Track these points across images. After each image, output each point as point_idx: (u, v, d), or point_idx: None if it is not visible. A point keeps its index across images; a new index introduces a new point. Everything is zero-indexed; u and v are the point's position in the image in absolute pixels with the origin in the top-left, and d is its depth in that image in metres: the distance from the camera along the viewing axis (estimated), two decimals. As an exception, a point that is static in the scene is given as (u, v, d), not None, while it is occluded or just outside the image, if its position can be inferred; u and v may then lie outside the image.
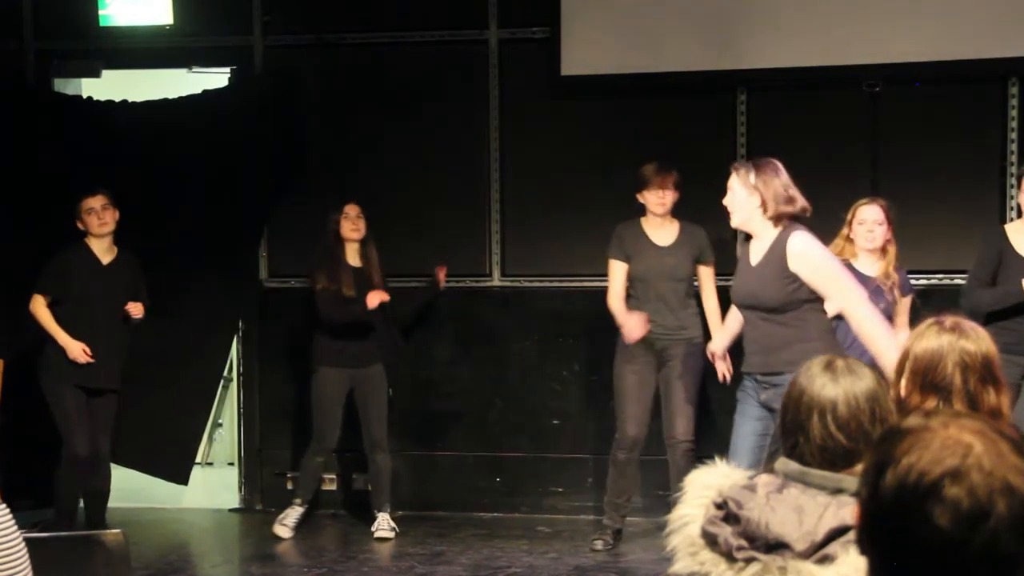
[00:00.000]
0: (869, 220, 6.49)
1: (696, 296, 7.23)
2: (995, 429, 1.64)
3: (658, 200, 7.12)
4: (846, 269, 6.33)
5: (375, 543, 7.56)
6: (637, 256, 7.11)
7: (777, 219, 5.55)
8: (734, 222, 5.78)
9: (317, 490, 7.89)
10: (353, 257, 7.63)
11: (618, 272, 7.16)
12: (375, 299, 7.39)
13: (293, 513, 7.74)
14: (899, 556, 1.62)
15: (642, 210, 7.20)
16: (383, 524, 7.62)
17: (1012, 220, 7.35)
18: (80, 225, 7.31)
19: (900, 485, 1.60)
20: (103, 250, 7.34)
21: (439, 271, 7.87)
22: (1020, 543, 1.58)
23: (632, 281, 7.14)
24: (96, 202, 7.29)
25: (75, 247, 7.32)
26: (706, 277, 7.22)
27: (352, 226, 7.58)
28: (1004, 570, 1.59)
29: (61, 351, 7.16)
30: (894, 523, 1.61)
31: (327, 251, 7.59)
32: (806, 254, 5.47)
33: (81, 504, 7.50)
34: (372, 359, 7.60)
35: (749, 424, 5.59)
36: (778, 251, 5.49)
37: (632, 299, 7.11)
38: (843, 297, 5.43)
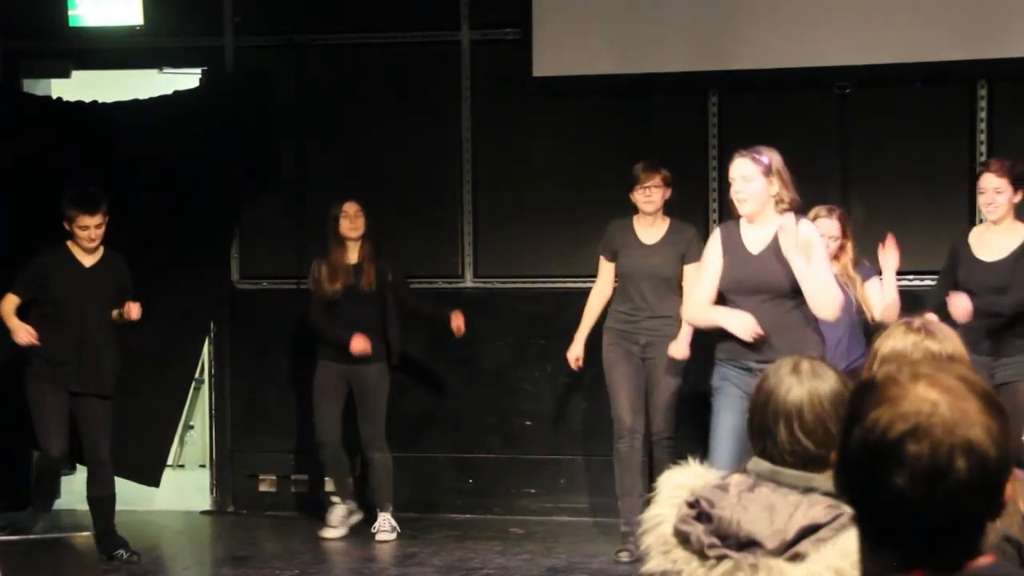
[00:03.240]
0: (826, 235, 6.45)
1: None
2: (969, 385, 1.62)
3: (644, 198, 7.12)
4: None
5: (349, 544, 7.54)
6: (623, 253, 7.14)
7: (787, 207, 5.73)
8: (746, 210, 5.80)
9: (348, 483, 7.77)
10: (352, 255, 7.61)
11: (602, 270, 7.23)
12: (358, 345, 7.36)
13: (332, 513, 7.70)
14: (867, 509, 1.63)
15: (635, 208, 7.19)
16: (384, 525, 7.58)
17: (980, 221, 7.40)
18: (67, 227, 7.08)
19: (864, 440, 1.61)
20: (85, 253, 7.15)
21: (456, 319, 7.65)
22: (980, 503, 1.58)
23: (618, 278, 7.17)
24: (92, 221, 7.04)
25: (56, 250, 7.12)
26: (690, 275, 7.10)
27: (351, 224, 7.57)
28: (966, 529, 1.59)
29: (46, 356, 7.02)
30: (860, 477, 1.62)
31: (326, 249, 7.60)
32: (813, 240, 5.71)
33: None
34: (370, 357, 7.58)
35: (733, 418, 5.62)
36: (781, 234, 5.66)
37: (617, 295, 7.15)
38: (826, 277, 5.67)
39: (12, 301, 7.06)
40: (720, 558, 2.63)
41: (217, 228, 8.34)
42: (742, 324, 5.67)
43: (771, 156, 5.80)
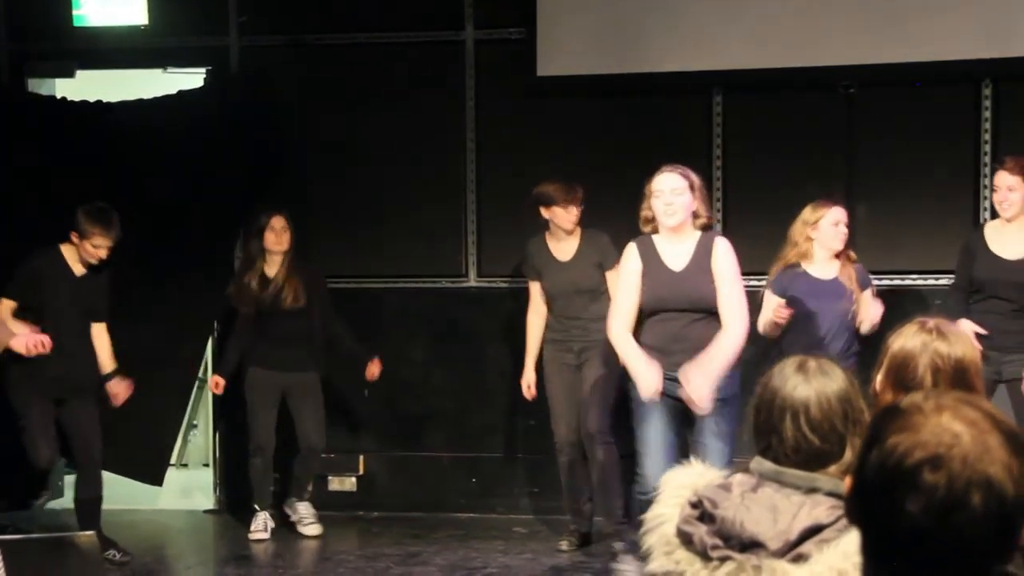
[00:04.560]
0: (842, 221, 6.58)
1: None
2: (993, 421, 1.61)
3: (565, 217, 7.10)
4: (800, 276, 6.48)
5: (350, 544, 7.54)
6: (544, 273, 7.20)
7: (704, 222, 5.98)
8: (675, 222, 5.95)
9: (270, 492, 7.83)
10: (273, 267, 7.60)
11: (532, 291, 7.32)
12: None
13: (258, 520, 7.72)
14: (878, 534, 1.61)
15: (547, 225, 7.19)
16: (306, 513, 7.67)
17: (986, 221, 7.39)
18: (76, 239, 7.04)
19: (882, 464, 1.59)
20: (77, 260, 7.15)
21: (372, 366, 7.69)
22: (992, 538, 1.57)
23: (546, 295, 7.23)
24: (107, 242, 7.02)
25: (49, 254, 7.11)
26: (612, 281, 6.93)
27: (276, 238, 7.56)
28: (974, 563, 1.58)
29: (28, 364, 6.95)
30: (874, 501, 1.60)
31: (248, 258, 7.64)
32: (731, 256, 5.93)
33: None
34: (303, 366, 7.57)
35: (660, 424, 5.83)
36: (704, 253, 5.90)
37: (548, 308, 7.23)
38: (742, 301, 5.88)
39: (7, 306, 7.02)
40: (723, 559, 2.62)
41: (220, 228, 8.34)
42: (645, 384, 5.77)
43: (692, 173, 6.02)
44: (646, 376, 5.78)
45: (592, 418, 7.07)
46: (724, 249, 5.94)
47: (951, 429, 1.59)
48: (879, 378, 3.10)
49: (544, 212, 7.15)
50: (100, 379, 7.21)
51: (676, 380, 5.77)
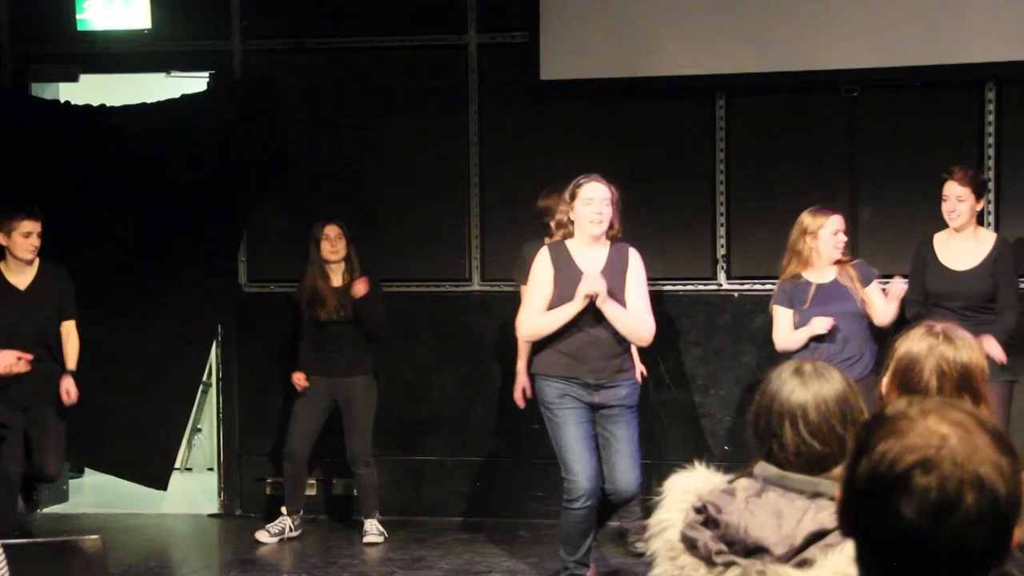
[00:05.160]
0: (841, 230, 6.59)
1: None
2: (978, 421, 1.62)
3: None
4: (803, 285, 6.49)
5: (356, 548, 7.55)
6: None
7: (615, 234, 6.09)
8: (600, 231, 6.05)
9: (300, 499, 7.81)
10: (336, 277, 7.63)
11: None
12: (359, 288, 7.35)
13: (277, 522, 7.72)
14: (872, 542, 1.62)
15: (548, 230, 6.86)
16: (372, 529, 7.61)
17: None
18: (2, 240, 7.00)
19: (872, 472, 1.60)
20: (19, 272, 7.07)
21: (357, 284, 7.60)
22: (988, 538, 1.57)
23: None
24: (35, 227, 7.01)
25: None
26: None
27: (331, 247, 7.59)
28: (971, 564, 1.58)
29: None
30: (867, 509, 1.61)
31: (309, 266, 7.62)
32: (641, 266, 6.09)
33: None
34: (355, 370, 7.58)
35: (582, 428, 5.98)
36: (620, 262, 6.03)
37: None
38: (649, 308, 6.09)
39: None
40: (728, 565, 2.62)
41: (225, 231, 8.34)
42: (588, 284, 5.87)
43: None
44: (585, 285, 5.88)
45: None
46: (638, 259, 6.10)
47: (938, 431, 1.60)
48: (885, 381, 3.10)
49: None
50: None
51: (588, 385, 5.98)
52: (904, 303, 6.64)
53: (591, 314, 6.00)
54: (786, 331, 6.56)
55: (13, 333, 6.96)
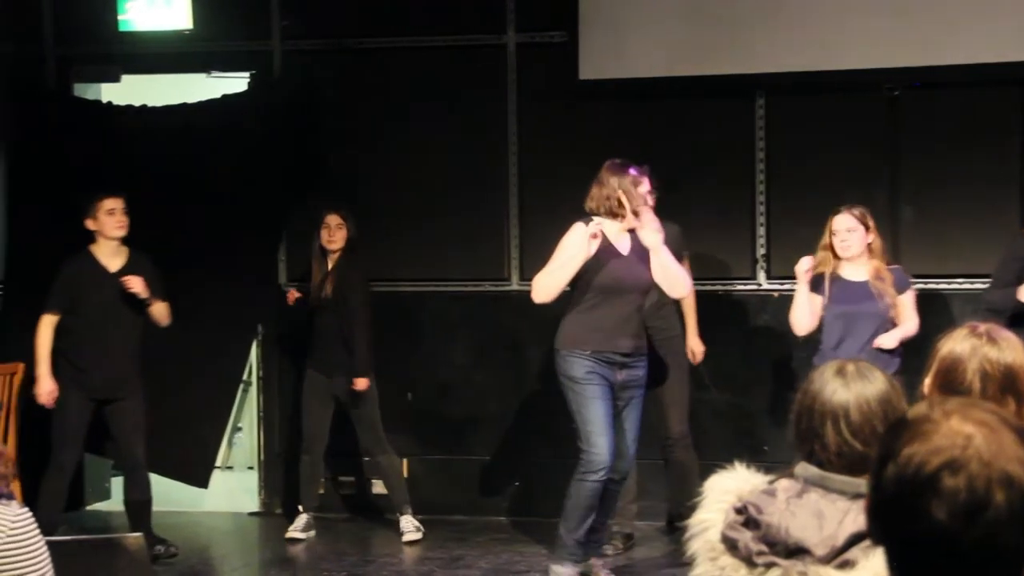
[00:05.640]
0: (841, 230, 6.55)
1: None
2: (1001, 419, 1.61)
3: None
4: (833, 279, 6.47)
5: (394, 546, 7.57)
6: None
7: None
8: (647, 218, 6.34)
9: (316, 495, 7.85)
10: (332, 265, 7.66)
11: None
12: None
13: (300, 520, 7.76)
14: (903, 547, 1.61)
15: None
16: (407, 526, 7.63)
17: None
18: (92, 225, 7.15)
19: (899, 477, 1.60)
20: (110, 256, 7.19)
21: (358, 383, 7.54)
22: (1020, 535, 1.56)
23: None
24: (118, 204, 7.15)
25: (80, 257, 7.18)
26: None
27: (329, 236, 7.60)
28: (1005, 563, 1.57)
29: (72, 361, 7.09)
30: (895, 515, 1.60)
31: (313, 258, 7.69)
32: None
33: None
34: (342, 369, 7.58)
35: (606, 405, 6.24)
36: (643, 247, 6.28)
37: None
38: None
39: (49, 322, 7.09)
40: (769, 566, 2.61)
41: (264, 231, 8.39)
42: (584, 233, 6.20)
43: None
44: (587, 229, 6.21)
45: (674, 421, 7.10)
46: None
47: (963, 432, 1.59)
48: (927, 382, 3.09)
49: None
50: (142, 378, 7.24)
51: (614, 363, 6.24)
52: (990, 288, 6.62)
53: (620, 294, 6.26)
54: (799, 306, 6.57)
55: (99, 315, 7.07)
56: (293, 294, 7.85)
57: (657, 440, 7.24)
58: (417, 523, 7.66)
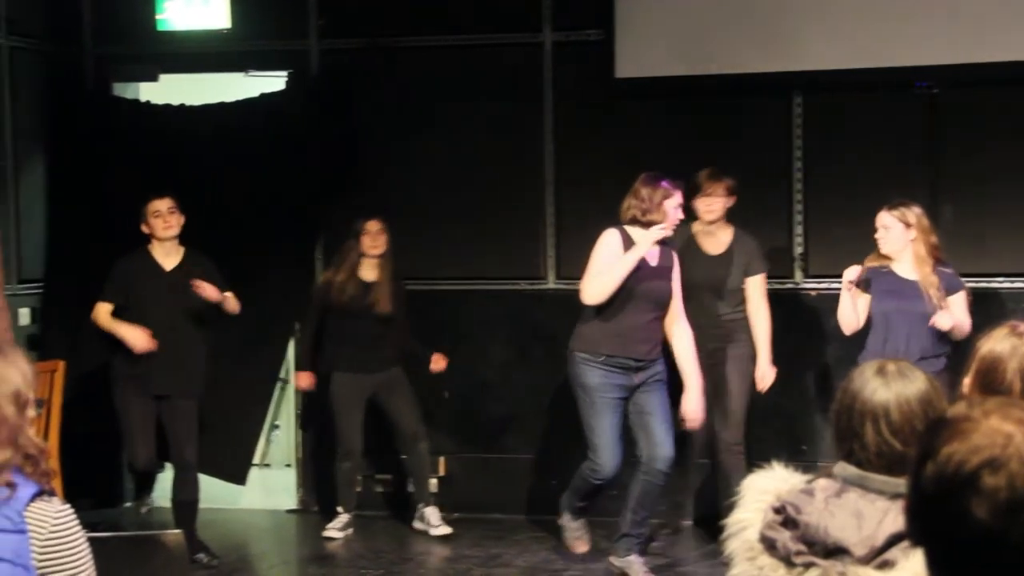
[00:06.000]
0: (879, 226, 6.58)
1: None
2: None
3: (705, 207, 7.14)
4: (884, 273, 6.46)
5: (432, 544, 7.58)
6: (686, 263, 6.99)
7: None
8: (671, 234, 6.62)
9: (354, 495, 7.90)
10: (370, 272, 7.68)
11: None
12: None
13: (338, 520, 7.79)
14: (943, 547, 1.61)
15: (694, 216, 7.21)
16: (433, 519, 7.67)
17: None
18: (145, 228, 7.19)
19: (939, 476, 1.59)
20: (165, 255, 7.21)
21: (437, 361, 7.81)
22: None
23: (683, 288, 7.15)
24: (163, 204, 7.16)
25: (136, 254, 7.22)
26: (754, 287, 7.19)
27: (372, 242, 7.64)
28: None
29: (128, 363, 7.11)
30: (935, 514, 1.60)
31: (342, 259, 7.72)
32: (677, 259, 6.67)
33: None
34: (388, 364, 7.66)
35: (616, 416, 6.47)
36: (668, 254, 6.59)
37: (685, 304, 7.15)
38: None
39: (106, 308, 7.14)
40: (807, 566, 2.61)
41: (301, 230, 8.41)
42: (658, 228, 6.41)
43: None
44: (643, 244, 6.41)
45: (731, 427, 7.11)
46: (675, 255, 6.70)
47: (1002, 430, 1.59)
48: (967, 381, 3.07)
49: (692, 202, 7.13)
50: (201, 376, 7.29)
51: (630, 368, 6.44)
52: None
53: (637, 299, 6.43)
54: (844, 308, 6.66)
55: (156, 310, 7.10)
56: (305, 379, 7.88)
57: (709, 443, 7.24)
58: (441, 515, 7.76)
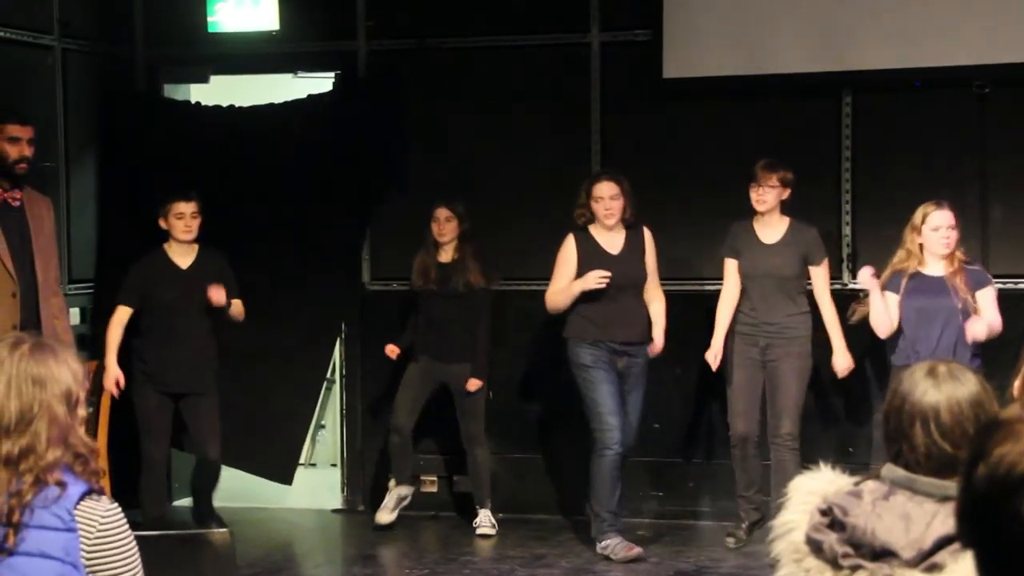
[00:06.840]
0: (944, 226, 6.53)
1: (809, 295, 7.23)
2: None
3: (757, 197, 7.14)
4: (911, 273, 6.45)
5: (476, 545, 7.59)
6: (744, 254, 7.19)
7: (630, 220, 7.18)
8: (614, 222, 7.15)
9: (407, 467, 7.88)
10: (445, 256, 7.73)
11: (728, 270, 7.28)
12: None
13: (390, 497, 7.81)
14: (994, 549, 1.59)
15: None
16: (484, 521, 7.68)
17: None
18: (163, 225, 7.25)
19: (990, 477, 1.58)
20: (181, 254, 7.28)
21: (471, 383, 7.71)
22: None
23: (742, 278, 7.18)
24: (187, 208, 7.21)
25: (152, 255, 7.28)
26: (816, 277, 7.19)
27: (439, 229, 7.69)
28: None
29: (144, 358, 7.19)
30: (985, 516, 1.59)
31: (423, 249, 7.76)
32: (653, 245, 7.27)
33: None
34: (461, 356, 7.66)
35: (613, 385, 7.04)
36: (637, 243, 7.17)
37: (741, 296, 7.21)
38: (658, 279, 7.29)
39: (124, 314, 7.21)
40: (854, 568, 2.59)
41: (348, 230, 8.44)
42: (593, 276, 6.98)
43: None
44: (588, 276, 7.01)
45: (786, 423, 7.09)
46: (651, 239, 7.25)
47: None
48: (1017, 384, 3.05)
49: (749, 192, 7.17)
50: (217, 373, 7.33)
51: (615, 351, 7.05)
52: None
53: (617, 285, 7.01)
54: (877, 311, 6.62)
55: (173, 309, 7.17)
56: (392, 350, 7.87)
57: (764, 438, 7.22)
58: (494, 520, 7.70)
